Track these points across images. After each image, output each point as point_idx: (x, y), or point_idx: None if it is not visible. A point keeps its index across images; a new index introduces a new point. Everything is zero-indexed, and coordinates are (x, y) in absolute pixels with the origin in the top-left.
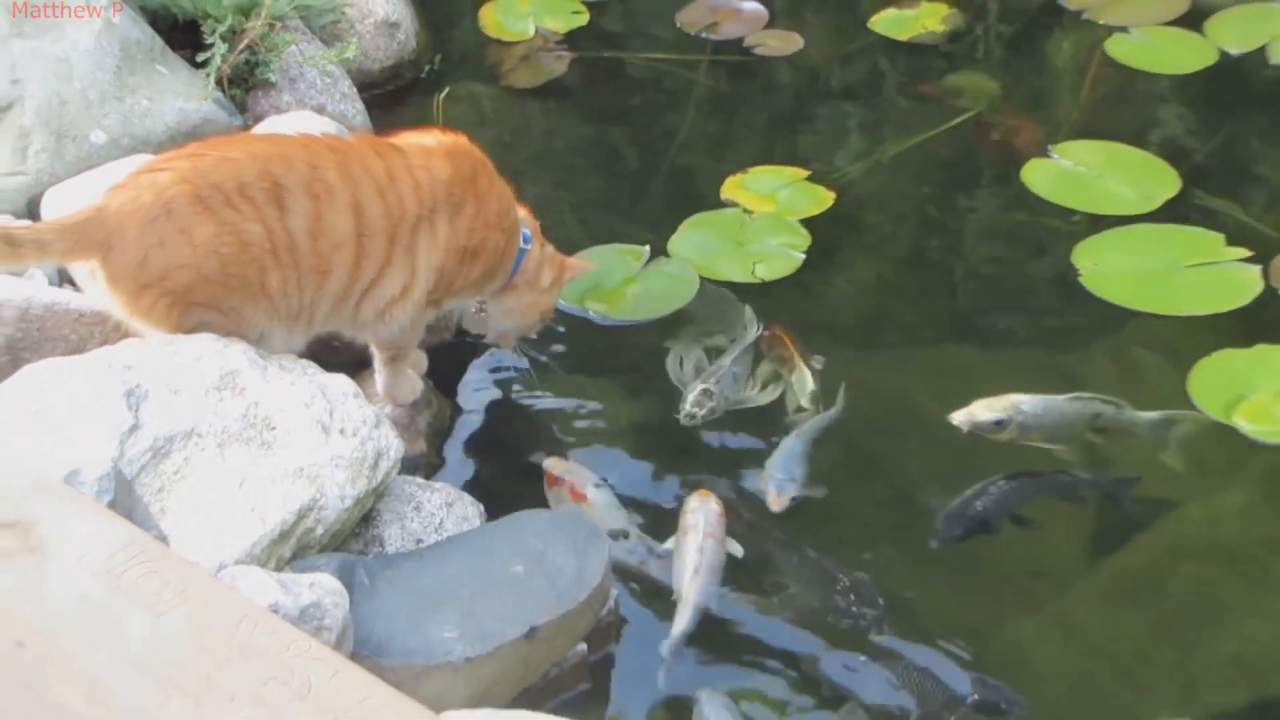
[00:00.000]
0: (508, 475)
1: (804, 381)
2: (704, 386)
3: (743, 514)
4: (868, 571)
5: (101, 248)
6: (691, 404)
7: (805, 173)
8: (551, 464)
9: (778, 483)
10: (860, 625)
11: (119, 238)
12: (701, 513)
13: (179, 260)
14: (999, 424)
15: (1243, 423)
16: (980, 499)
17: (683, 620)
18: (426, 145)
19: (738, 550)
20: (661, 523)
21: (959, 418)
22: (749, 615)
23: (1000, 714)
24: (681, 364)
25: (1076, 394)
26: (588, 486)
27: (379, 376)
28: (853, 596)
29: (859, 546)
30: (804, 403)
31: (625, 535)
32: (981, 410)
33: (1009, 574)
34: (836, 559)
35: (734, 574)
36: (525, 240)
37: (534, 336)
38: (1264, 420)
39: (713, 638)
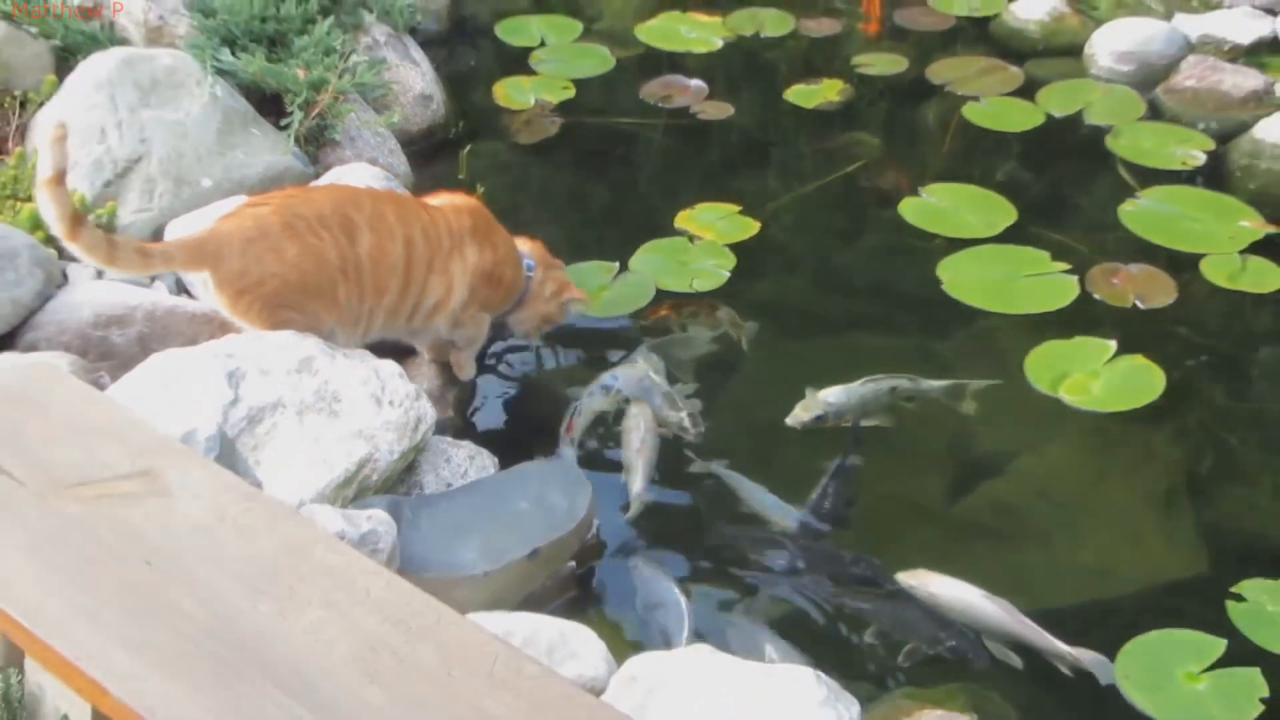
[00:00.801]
0: (516, 435)
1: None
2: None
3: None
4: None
5: (213, 260)
6: (690, 424)
7: (737, 208)
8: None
9: (796, 521)
10: (871, 583)
11: (227, 252)
12: (641, 416)
13: (271, 271)
14: (819, 419)
15: (1064, 395)
16: (825, 498)
17: (637, 482)
18: (455, 204)
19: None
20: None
21: (790, 421)
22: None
23: (966, 660)
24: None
25: (868, 377)
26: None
27: (454, 358)
28: (861, 563)
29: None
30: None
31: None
32: (801, 412)
33: (885, 511)
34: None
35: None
36: (529, 269)
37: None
38: (1080, 393)
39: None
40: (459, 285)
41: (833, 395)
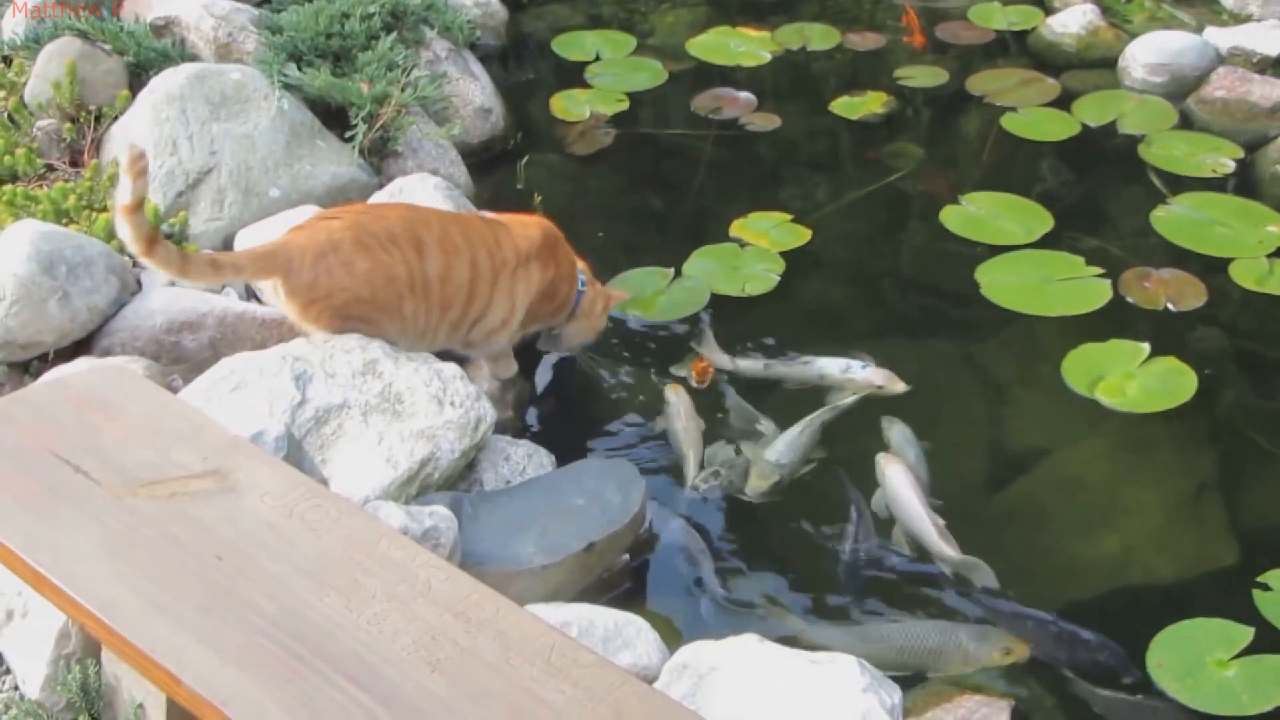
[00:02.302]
0: (572, 434)
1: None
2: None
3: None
4: (836, 509)
5: (284, 270)
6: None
7: (789, 216)
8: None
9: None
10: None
11: (298, 264)
12: (680, 401)
13: (341, 284)
14: (778, 484)
15: (1101, 397)
16: (857, 537)
17: (692, 465)
18: (523, 220)
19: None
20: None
21: (750, 493)
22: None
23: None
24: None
25: (801, 423)
26: None
27: (485, 366)
28: (1106, 650)
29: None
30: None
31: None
32: (759, 482)
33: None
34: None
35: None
36: (582, 284)
37: (590, 344)
38: (1115, 394)
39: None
40: (521, 303)
41: (780, 454)
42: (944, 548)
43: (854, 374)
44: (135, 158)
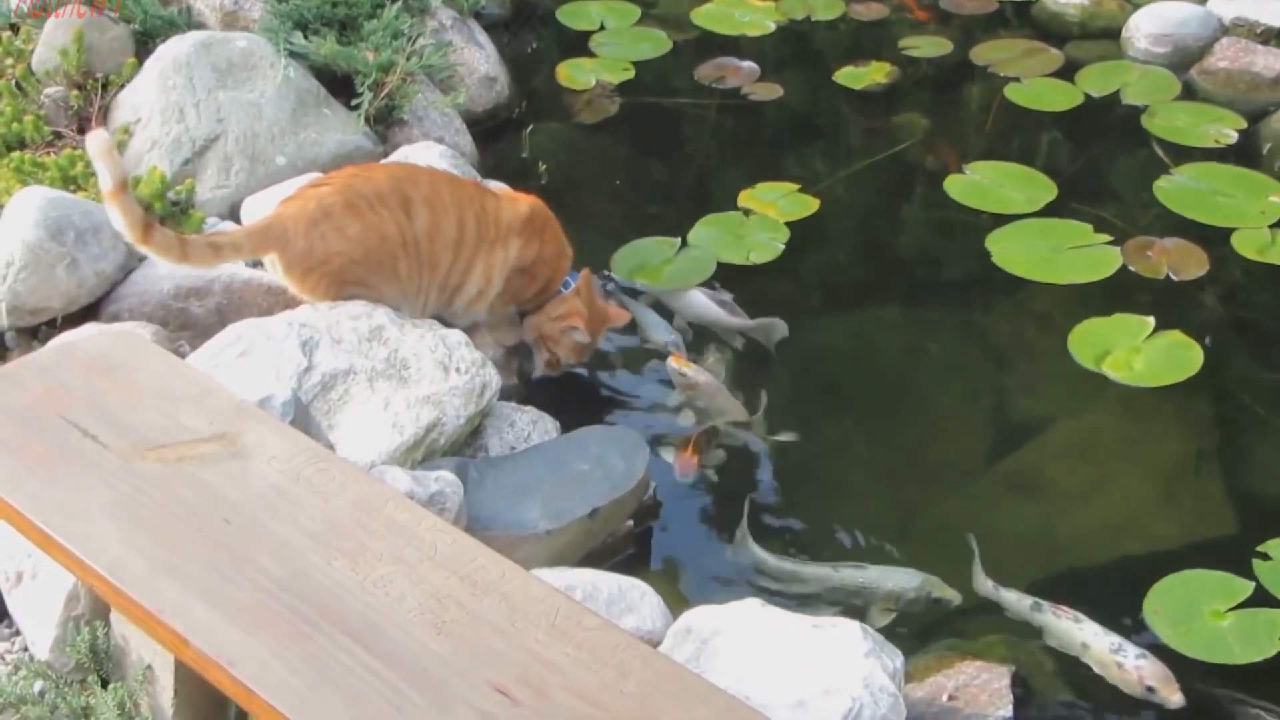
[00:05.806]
0: (577, 400)
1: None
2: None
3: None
4: (838, 476)
5: (279, 243)
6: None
7: (796, 186)
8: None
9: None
10: None
11: (292, 234)
12: (702, 374)
13: (335, 249)
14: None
15: (1108, 371)
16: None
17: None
18: (514, 194)
19: None
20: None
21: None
22: None
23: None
24: None
25: (797, 561)
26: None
27: (488, 333)
28: None
29: (829, 456)
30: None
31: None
32: (885, 610)
33: (931, 471)
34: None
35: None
36: (565, 286)
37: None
38: (1121, 369)
39: None
40: (498, 274)
41: (868, 577)
42: (733, 320)
43: (1124, 659)
44: (99, 143)
